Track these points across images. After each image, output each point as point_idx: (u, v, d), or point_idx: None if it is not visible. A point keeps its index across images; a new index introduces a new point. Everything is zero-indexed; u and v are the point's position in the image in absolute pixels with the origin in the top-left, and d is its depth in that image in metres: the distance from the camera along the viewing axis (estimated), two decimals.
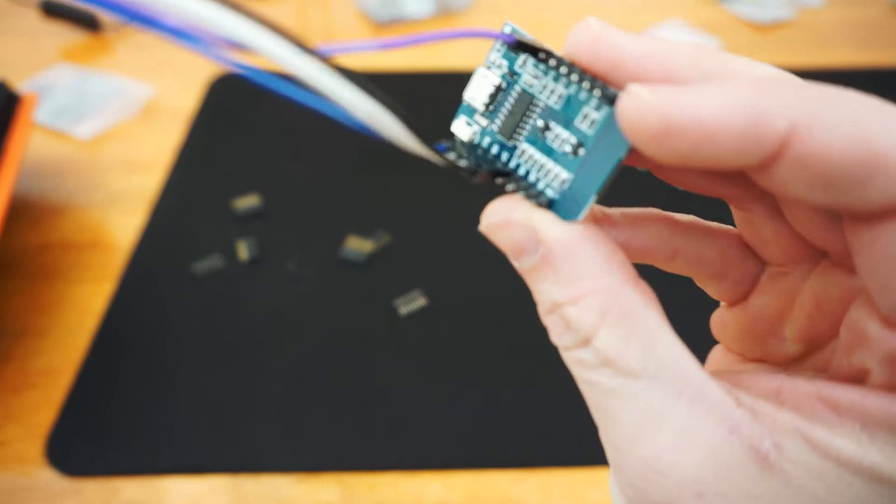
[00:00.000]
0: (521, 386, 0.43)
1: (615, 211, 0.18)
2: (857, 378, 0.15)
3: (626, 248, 0.18)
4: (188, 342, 0.46)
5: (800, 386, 0.15)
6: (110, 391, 0.43)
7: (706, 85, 0.13)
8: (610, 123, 0.15)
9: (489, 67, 0.17)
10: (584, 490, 0.38)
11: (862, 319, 0.15)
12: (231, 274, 0.50)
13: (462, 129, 0.17)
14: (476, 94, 0.17)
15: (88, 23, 0.75)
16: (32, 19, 0.76)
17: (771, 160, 0.13)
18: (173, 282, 0.49)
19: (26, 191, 0.57)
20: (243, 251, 0.51)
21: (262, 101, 0.66)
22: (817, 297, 0.17)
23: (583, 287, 0.15)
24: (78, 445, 0.40)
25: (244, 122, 0.64)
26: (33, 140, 0.61)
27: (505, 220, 0.15)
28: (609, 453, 0.15)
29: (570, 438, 0.41)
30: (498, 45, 0.17)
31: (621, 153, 0.14)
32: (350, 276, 0.50)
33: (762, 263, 0.18)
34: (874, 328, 0.14)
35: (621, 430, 0.15)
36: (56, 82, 0.68)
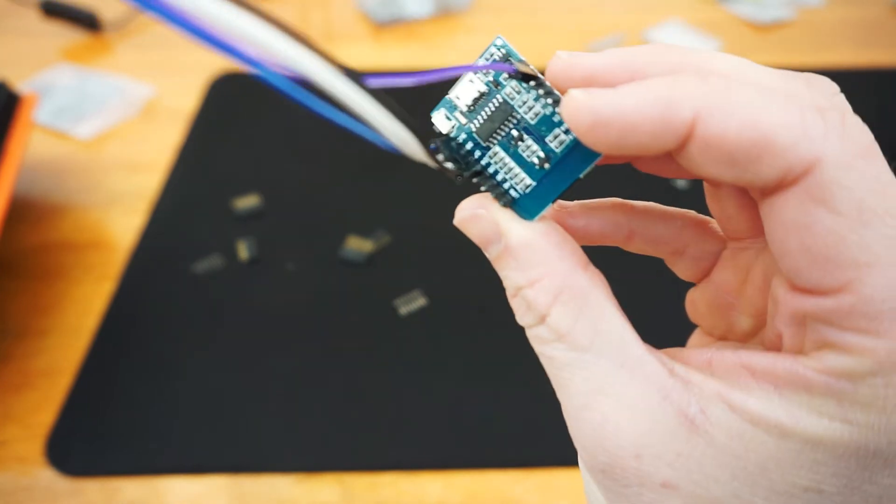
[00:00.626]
0: (521, 386, 0.43)
1: (573, 203, 0.20)
2: (778, 344, 0.17)
3: (586, 233, 0.20)
4: (188, 342, 0.46)
5: (726, 356, 0.16)
6: (110, 391, 0.43)
7: (630, 84, 0.15)
8: (576, 147, 0.17)
9: (476, 73, 0.18)
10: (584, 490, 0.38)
11: (776, 287, 0.16)
12: (231, 274, 0.50)
13: (441, 121, 0.18)
14: (461, 94, 0.18)
15: (88, 23, 0.75)
16: (32, 19, 0.76)
17: (683, 143, 0.15)
18: (173, 282, 0.49)
19: (26, 191, 0.57)
20: (243, 251, 0.51)
21: (262, 101, 0.66)
22: (765, 271, 0.18)
23: (538, 272, 0.17)
24: (78, 445, 0.40)
25: (244, 122, 0.64)
26: (33, 140, 0.61)
27: (472, 215, 0.18)
28: (567, 423, 0.17)
29: (571, 438, 0.41)
30: (487, 54, 0.18)
31: (579, 173, 0.17)
32: (350, 276, 0.50)
33: (721, 242, 0.20)
34: (782, 293, 0.16)
35: (573, 398, 0.16)
36: (56, 82, 0.68)
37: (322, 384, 0.43)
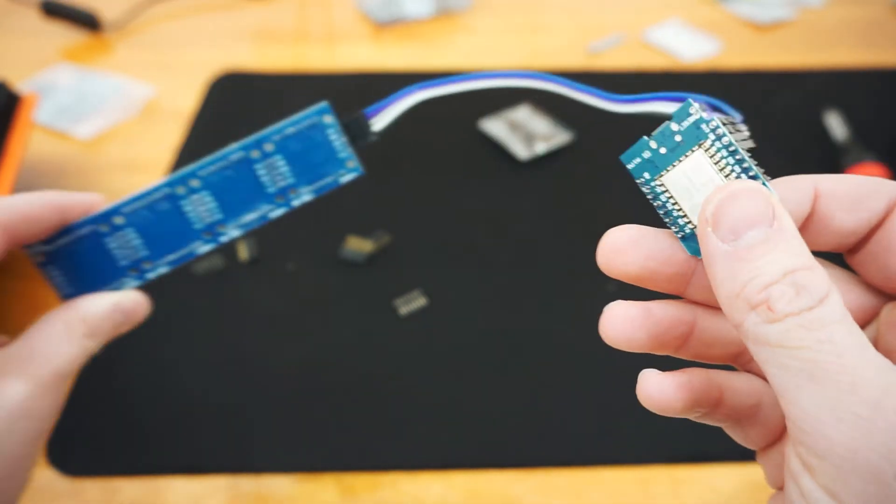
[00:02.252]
0: (521, 385, 0.43)
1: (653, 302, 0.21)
2: None
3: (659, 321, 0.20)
4: (188, 342, 0.46)
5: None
6: (110, 391, 0.43)
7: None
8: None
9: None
10: (584, 490, 0.38)
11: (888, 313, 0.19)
12: (231, 274, 0.50)
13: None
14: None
15: (88, 23, 0.75)
16: (32, 19, 0.76)
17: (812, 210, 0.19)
18: (173, 282, 0.49)
19: (26, 191, 0.57)
20: (243, 251, 0.51)
21: (262, 101, 0.66)
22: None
23: (809, 254, 0.16)
24: (78, 445, 0.40)
25: (244, 122, 0.64)
26: (33, 140, 0.61)
27: (749, 188, 0.17)
28: (837, 428, 0.15)
29: (570, 438, 0.41)
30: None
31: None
32: (350, 276, 0.50)
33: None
34: None
35: (870, 390, 0.15)
36: (56, 82, 0.68)
37: (322, 384, 0.43)
